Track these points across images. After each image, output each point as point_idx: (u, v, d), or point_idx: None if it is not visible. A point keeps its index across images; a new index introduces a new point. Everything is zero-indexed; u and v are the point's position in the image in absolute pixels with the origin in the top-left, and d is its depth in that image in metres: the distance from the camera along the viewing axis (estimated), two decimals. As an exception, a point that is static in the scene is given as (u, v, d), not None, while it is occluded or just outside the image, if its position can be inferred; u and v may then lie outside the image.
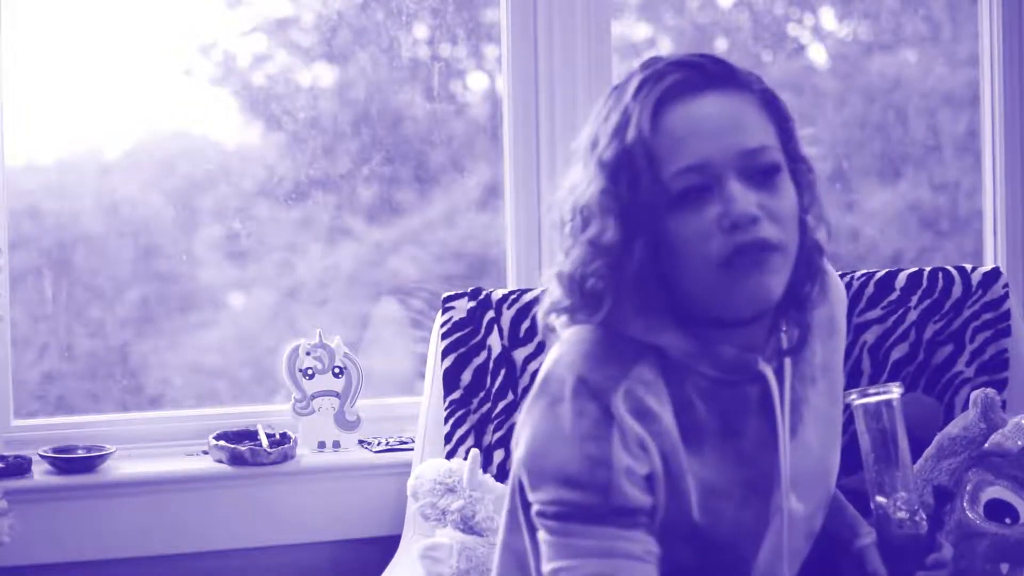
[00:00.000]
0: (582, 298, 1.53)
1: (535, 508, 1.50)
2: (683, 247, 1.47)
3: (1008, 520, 2.02)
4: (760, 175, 1.47)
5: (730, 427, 1.56)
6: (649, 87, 1.48)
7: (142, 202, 2.64)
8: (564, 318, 1.57)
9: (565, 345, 1.55)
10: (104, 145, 2.61)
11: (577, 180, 1.54)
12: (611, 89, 1.54)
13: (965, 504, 2.02)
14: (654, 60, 1.52)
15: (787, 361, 1.58)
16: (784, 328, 1.58)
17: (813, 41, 3.01)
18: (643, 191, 1.47)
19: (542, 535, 1.50)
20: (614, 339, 1.53)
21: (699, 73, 1.48)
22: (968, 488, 2.04)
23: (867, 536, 1.75)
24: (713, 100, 1.47)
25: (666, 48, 2.90)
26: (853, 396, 1.69)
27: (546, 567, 1.50)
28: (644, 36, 2.93)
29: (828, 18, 3.00)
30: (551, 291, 1.58)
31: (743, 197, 1.45)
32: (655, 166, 1.46)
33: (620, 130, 1.48)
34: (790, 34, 2.99)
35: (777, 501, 1.57)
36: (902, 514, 1.66)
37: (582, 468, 1.46)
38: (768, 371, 1.55)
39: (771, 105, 1.52)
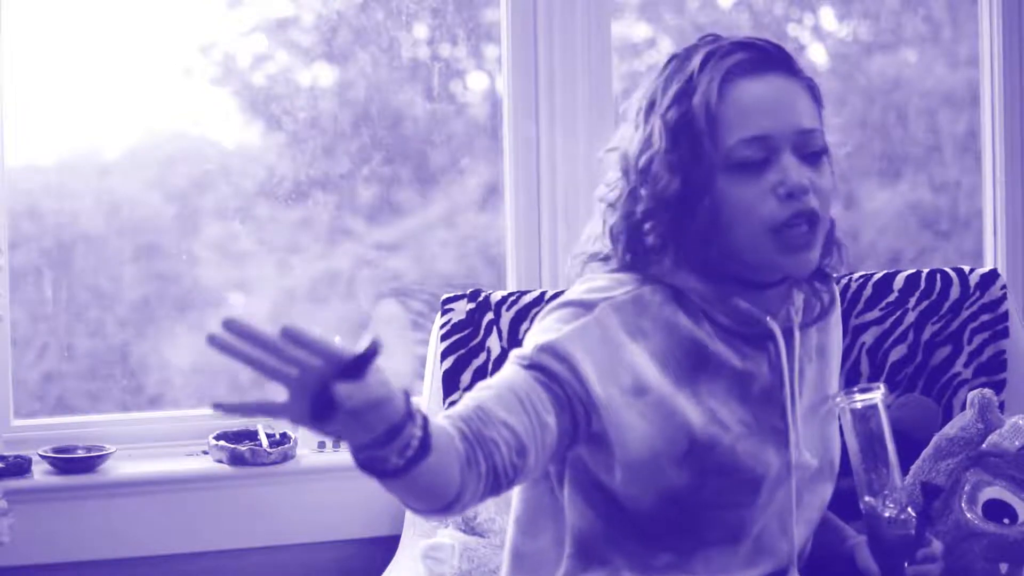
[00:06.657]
0: (637, 251, 1.65)
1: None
2: (736, 210, 1.59)
3: (1006, 520, 2.02)
4: (810, 154, 1.61)
5: (746, 369, 1.65)
6: (715, 61, 1.61)
7: (142, 202, 2.64)
8: (596, 264, 1.71)
9: (588, 282, 1.67)
10: (104, 145, 2.61)
11: (628, 137, 1.67)
12: (670, 57, 1.67)
13: (963, 504, 2.03)
14: (715, 37, 1.65)
15: (796, 333, 1.69)
16: (793, 302, 1.69)
17: (813, 41, 3.01)
18: (703, 153, 1.59)
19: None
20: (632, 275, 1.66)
21: (763, 54, 1.62)
22: (966, 488, 2.04)
23: (855, 538, 1.80)
24: (775, 80, 1.61)
25: (666, 48, 2.89)
26: (839, 398, 1.72)
27: None
28: (644, 36, 2.92)
29: (828, 18, 3.00)
30: (591, 240, 1.71)
31: (797, 170, 1.59)
32: (717, 131, 1.59)
33: (683, 95, 1.61)
34: (790, 34, 2.99)
35: (786, 453, 1.67)
36: (891, 512, 1.68)
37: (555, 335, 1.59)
38: (776, 329, 1.66)
39: (814, 93, 1.67)
